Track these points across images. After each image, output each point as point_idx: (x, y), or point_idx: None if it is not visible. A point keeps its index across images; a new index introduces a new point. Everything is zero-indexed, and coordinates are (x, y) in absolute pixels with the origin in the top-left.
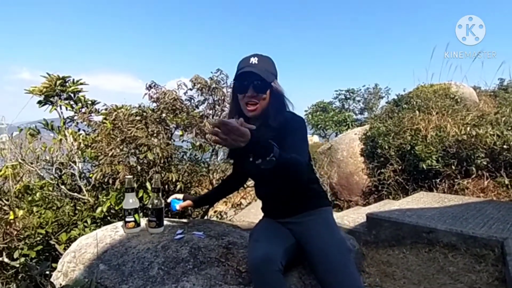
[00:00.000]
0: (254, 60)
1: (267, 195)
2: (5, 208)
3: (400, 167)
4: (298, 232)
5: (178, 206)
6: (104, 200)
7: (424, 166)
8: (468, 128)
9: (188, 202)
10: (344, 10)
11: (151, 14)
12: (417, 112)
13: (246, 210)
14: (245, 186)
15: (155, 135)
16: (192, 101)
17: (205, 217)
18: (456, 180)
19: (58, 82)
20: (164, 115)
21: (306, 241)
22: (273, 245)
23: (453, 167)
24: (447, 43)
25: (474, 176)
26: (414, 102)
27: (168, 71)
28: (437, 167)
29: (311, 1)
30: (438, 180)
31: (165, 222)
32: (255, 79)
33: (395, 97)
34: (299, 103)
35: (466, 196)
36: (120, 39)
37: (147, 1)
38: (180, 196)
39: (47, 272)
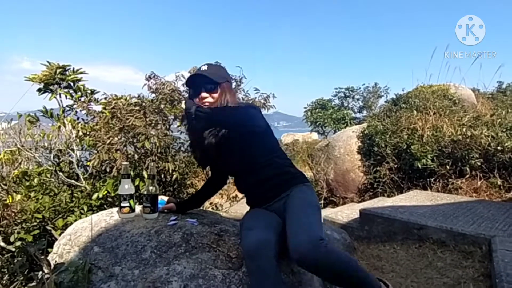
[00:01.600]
0: (204, 67)
1: (248, 187)
2: (3, 193)
3: (395, 166)
4: (279, 209)
5: (161, 207)
6: (101, 187)
7: (419, 165)
8: (464, 129)
9: (171, 205)
10: (345, 10)
11: (153, 8)
12: (414, 111)
13: (242, 203)
14: None
15: (153, 125)
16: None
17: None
18: (450, 179)
19: (58, 70)
20: (162, 105)
21: (284, 209)
22: (266, 232)
23: (448, 167)
24: (447, 44)
25: (467, 176)
26: (412, 102)
27: (169, 65)
28: (432, 166)
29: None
30: (432, 179)
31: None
32: (205, 82)
33: (394, 97)
34: (299, 101)
35: (459, 196)
36: (121, 32)
37: None
38: (165, 198)
39: (42, 256)
